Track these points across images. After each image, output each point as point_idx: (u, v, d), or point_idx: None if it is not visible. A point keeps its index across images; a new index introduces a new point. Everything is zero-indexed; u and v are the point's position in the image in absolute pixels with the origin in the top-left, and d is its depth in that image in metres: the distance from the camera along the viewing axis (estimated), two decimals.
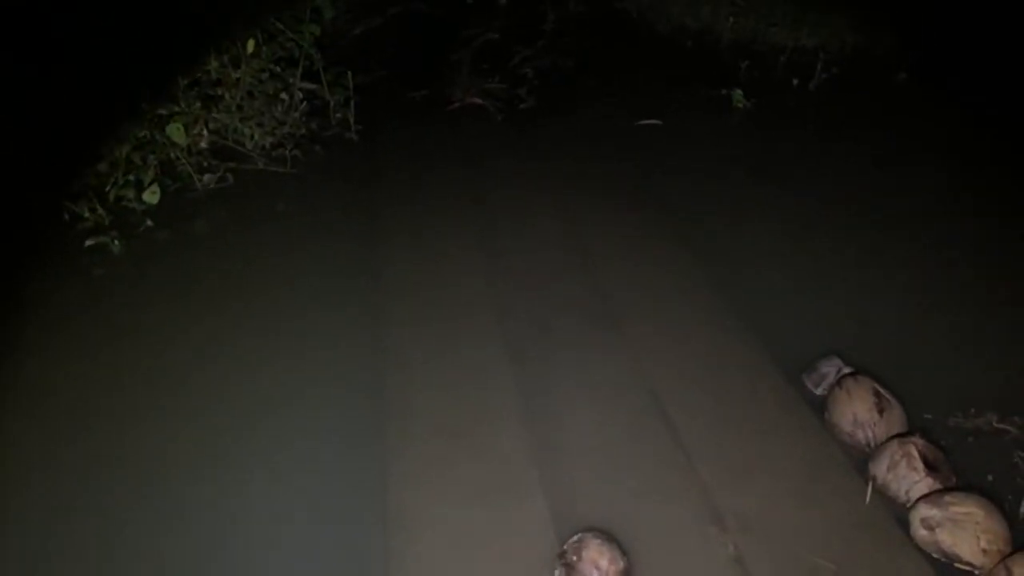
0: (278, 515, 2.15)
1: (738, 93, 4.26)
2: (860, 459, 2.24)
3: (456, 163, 3.82)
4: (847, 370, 2.47)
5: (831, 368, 2.51)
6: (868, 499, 2.10)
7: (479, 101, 4.28)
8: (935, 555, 1.94)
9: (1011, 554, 1.84)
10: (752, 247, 3.28)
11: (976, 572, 1.89)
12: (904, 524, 2.03)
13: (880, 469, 2.14)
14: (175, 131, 3.27)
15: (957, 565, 1.91)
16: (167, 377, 2.57)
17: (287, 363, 2.63)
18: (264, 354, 2.67)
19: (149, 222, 3.18)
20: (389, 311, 2.87)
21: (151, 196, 3.18)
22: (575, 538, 1.94)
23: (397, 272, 3.08)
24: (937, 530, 1.94)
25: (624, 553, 1.93)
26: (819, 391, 2.49)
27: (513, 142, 4.02)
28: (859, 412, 2.29)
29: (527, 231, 3.38)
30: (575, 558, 1.89)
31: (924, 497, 2.01)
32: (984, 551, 1.89)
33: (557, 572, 1.90)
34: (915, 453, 2.10)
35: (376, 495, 2.16)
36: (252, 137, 3.61)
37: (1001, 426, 2.32)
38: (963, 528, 1.91)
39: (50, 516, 2.14)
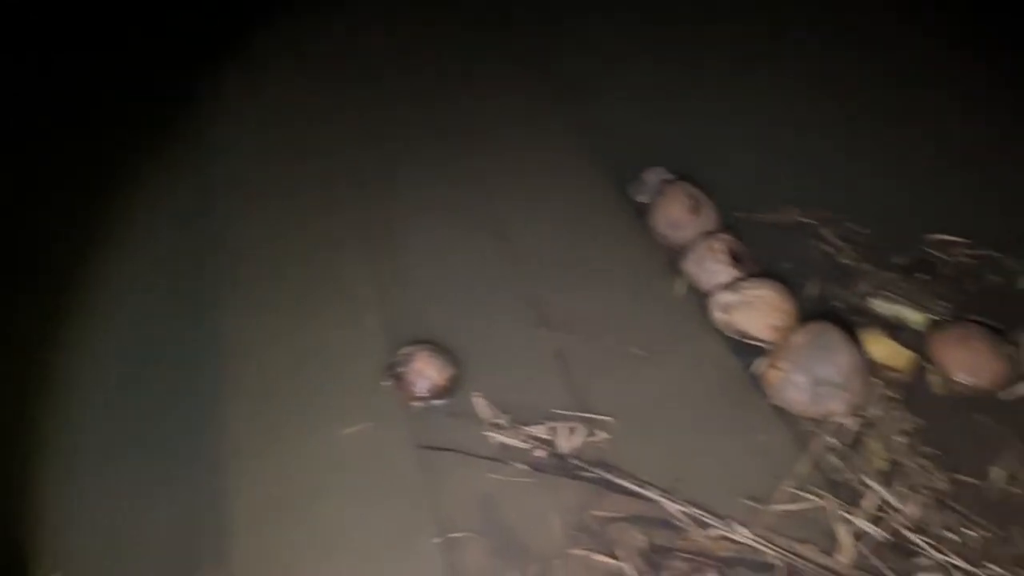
0: (109, 350, 2.16)
1: None
2: (676, 258, 2.40)
3: None
4: (669, 177, 2.59)
5: (654, 176, 2.62)
6: (680, 292, 2.28)
7: None
8: (731, 335, 2.14)
9: (792, 327, 2.05)
10: (592, 62, 3.32)
11: (764, 345, 2.10)
12: (708, 311, 2.22)
13: (691, 264, 2.30)
14: None
15: (749, 341, 2.12)
16: None
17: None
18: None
19: None
20: (228, 141, 2.84)
21: None
22: (405, 350, 2.04)
23: (234, 96, 3.01)
24: (732, 312, 2.13)
25: (453, 362, 2.04)
26: (644, 199, 2.61)
27: None
28: (674, 214, 2.43)
29: (381, 57, 3.32)
30: (403, 369, 1.99)
31: (724, 285, 2.19)
32: (771, 327, 2.09)
33: (386, 383, 2.01)
34: (719, 247, 2.26)
35: (209, 320, 2.20)
36: None
37: (802, 219, 2.51)
38: (755, 309, 2.10)
39: None
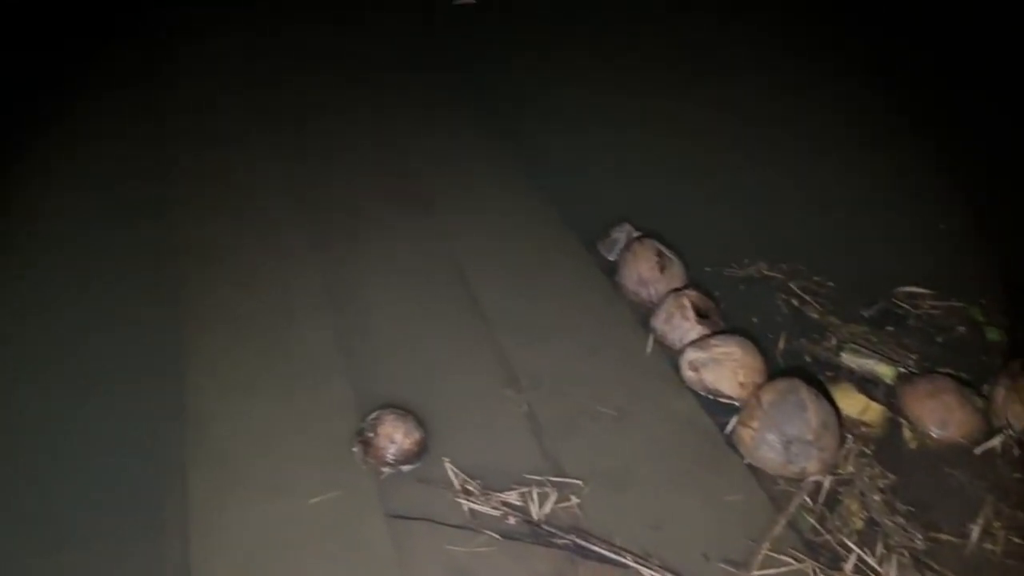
0: (78, 422, 2.09)
1: None
2: (645, 315, 2.39)
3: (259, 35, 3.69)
4: (636, 234, 2.60)
5: (622, 234, 2.63)
6: (649, 350, 2.26)
7: None
8: (701, 392, 2.13)
9: (762, 384, 2.04)
10: (555, 124, 3.35)
11: (736, 403, 2.08)
12: (678, 369, 2.20)
13: (659, 321, 2.30)
14: None
15: (720, 399, 2.11)
16: None
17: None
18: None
19: None
20: (181, 202, 2.80)
21: None
22: (372, 415, 1.99)
23: (187, 158, 3.00)
24: (702, 370, 2.11)
25: (421, 424, 1.99)
26: (612, 256, 2.62)
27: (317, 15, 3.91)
28: (643, 271, 2.43)
29: (334, 113, 3.32)
30: (371, 435, 1.95)
31: (692, 342, 2.18)
32: (741, 384, 2.08)
33: (355, 449, 1.96)
34: (688, 304, 2.26)
35: (174, 392, 2.13)
36: None
37: (769, 273, 2.53)
38: (723, 366, 2.10)
39: None
